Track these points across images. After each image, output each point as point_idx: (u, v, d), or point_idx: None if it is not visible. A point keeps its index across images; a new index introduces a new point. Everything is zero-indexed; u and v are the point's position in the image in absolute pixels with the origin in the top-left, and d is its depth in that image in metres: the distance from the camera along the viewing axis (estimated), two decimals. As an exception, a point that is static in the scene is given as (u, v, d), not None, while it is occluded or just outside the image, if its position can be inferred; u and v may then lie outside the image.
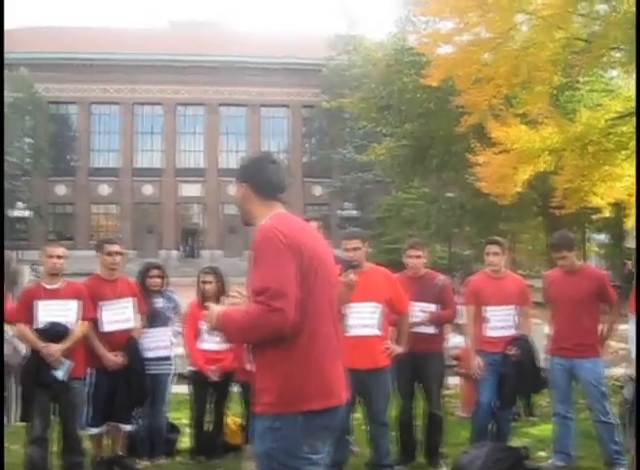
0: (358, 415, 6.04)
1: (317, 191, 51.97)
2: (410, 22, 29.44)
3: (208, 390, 6.46)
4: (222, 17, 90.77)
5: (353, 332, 5.31)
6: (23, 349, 5.90)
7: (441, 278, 6.47)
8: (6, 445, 6.67)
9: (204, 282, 6.52)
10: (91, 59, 50.27)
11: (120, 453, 6.29)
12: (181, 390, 7.23)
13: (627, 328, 7.44)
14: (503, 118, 15.94)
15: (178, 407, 7.56)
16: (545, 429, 7.02)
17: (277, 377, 2.96)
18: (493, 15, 14.46)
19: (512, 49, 14.77)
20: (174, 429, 6.91)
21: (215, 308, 3.13)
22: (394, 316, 5.77)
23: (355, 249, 5.58)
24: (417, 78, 21.59)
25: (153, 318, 6.46)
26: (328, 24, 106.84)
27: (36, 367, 5.62)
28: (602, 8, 14.46)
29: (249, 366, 5.70)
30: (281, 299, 2.84)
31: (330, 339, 3.06)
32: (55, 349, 5.55)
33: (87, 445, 6.14)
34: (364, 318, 5.44)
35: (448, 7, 15.08)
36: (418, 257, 6.32)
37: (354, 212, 45.59)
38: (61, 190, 52.35)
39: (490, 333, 6.25)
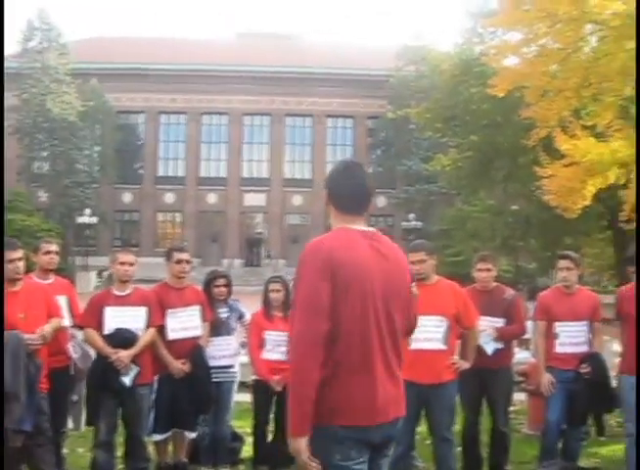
0: (422, 429, 5.97)
1: (381, 202, 51.79)
2: (477, 33, 29.34)
3: (272, 399, 6.46)
4: (289, 29, 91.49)
5: (416, 345, 5.24)
6: (93, 353, 5.99)
7: (511, 293, 6.36)
8: (74, 448, 6.83)
9: (272, 291, 6.52)
10: (160, 69, 51.09)
11: (184, 460, 6.33)
12: (245, 398, 7.26)
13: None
14: (571, 131, 15.67)
15: (242, 416, 7.59)
16: (616, 449, 6.83)
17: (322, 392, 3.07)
18: (562, 26, 14.27)
19: (581, 60, 14.55)
20: (237, 438, 6.93)
21: None
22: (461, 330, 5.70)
23: (421, 261, 5.48)
24: (483, 89, 21.40)
25: (217, 327, 6.49)
26: (395, 35, 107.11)
27: (104, 372, 5.69)
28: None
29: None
30: (312, 313, 2.99)
31: (369, 356, 3.05)
32: (124, 355, 5.62)
33: (151, 450, 6.21)
34: (428, 332, 5.30)
35: (516, 18, 14.92)
36: (488, 270, 6.22)
37: (418, 224, 45.36)
38: (127, 197, 53.30)
39: (560, 349, 6.13)
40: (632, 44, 13.82)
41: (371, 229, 3.25)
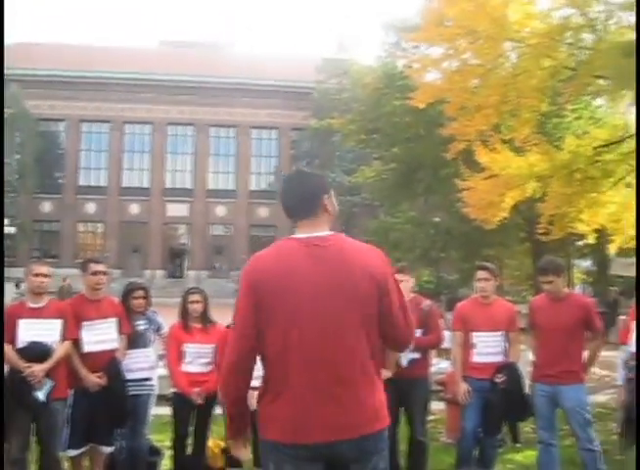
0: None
1: (305, 213, 52.00)
2: (400, 47, 29.76)
3: (191, 412, 6.39)
4: (214, 38, 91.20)
5: None
6: (5, 367, 5.83)
7: (427, 303, 6.43)
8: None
9: (191, 302, 6.46)
10: (82, 76, 50.35)
11: (100, 475, 6.21)
12: (164, 411, 7.17)
13: (612, 355, 7.49)
14: (491, 144, 16.03)
15: (161, 429, 7.49)
16: (530, 455, 7.00)
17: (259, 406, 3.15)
18: (482, 42, 14.58)
19: (501, 77, 14.89)
20: (156, 451, 6.82)
21: None
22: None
23: None
24: (406, 103, 21.70)
25: (134, 340, 6.39)
26: (319, 48, 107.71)
27: (17, 387, 5.54)
28: (588, 37, 14.61)
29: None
30: (234, 337, 3.10)
31: (289, 374, 3.00)
32: (37, 369, 5.49)
33: (66, 466, 6.08)
34: None
35: (437, 34, 15.19)
36: (404, 281, 6.30)
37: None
38: (46, 207, 52.16)
39: (477, 359, 6.24)
40: (549, 62, 14.27)
41: (320, 234, 3.14)
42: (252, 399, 3.15)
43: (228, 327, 6.30)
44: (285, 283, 3.01)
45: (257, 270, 3.08)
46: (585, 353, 6.10)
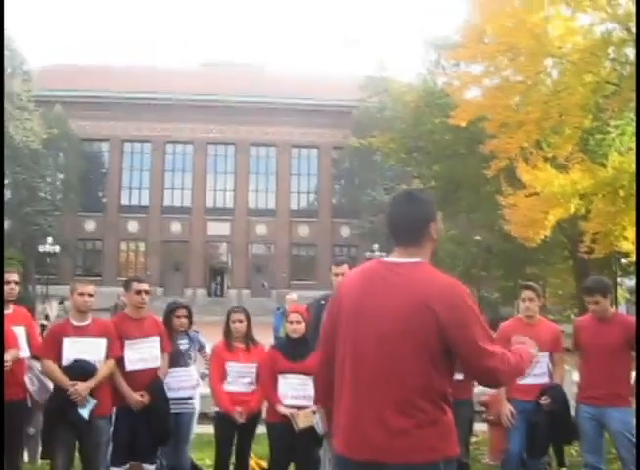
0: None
1: (345, 232, 52.01)
2: (440, 64, 29.71)
3: (233, 431, 6.38)
4: (254, 58, 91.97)
5: None
6: (51, 385, 5.88)
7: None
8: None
9: (234, 321, 6.46)
10: (125, 97, 50.98)
11: (142, 493, 6.22)
12: (206, 430, 7.17)
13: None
14: (533, 161, 15.88)
15: (202, 448, 7.50)
16: (575, 479, 6.87)
17: None
18: (523, 59, 14.52)
19: (542, 93, 14.79)
20: (197, 470, 6.84)
21: None
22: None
23: None
24: (446, 120, 21.65)
25: (176, 358, 6.42)
26: (359, 67, 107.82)
27: (61, 405, 5.58)
28: (631, 51, 14.46)
29: (282, 409, 5.71)
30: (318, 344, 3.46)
31: (342, 389, 3.11)
32: (82, 387, 5.53)
33: (109, 484, 6.10)
34: None
35: (478, 51, 15.17)
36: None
37: (382, 254, 45.30)
38: (90, 226, 52.80)
39: (522, 380, 6.13)
40: (591, 78, 14.14)
41: (404, 260, 3.11)
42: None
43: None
44: (355, 303, 3.12)
45: (339, 289, 3.35)
46: (633, 375, 5.98)
